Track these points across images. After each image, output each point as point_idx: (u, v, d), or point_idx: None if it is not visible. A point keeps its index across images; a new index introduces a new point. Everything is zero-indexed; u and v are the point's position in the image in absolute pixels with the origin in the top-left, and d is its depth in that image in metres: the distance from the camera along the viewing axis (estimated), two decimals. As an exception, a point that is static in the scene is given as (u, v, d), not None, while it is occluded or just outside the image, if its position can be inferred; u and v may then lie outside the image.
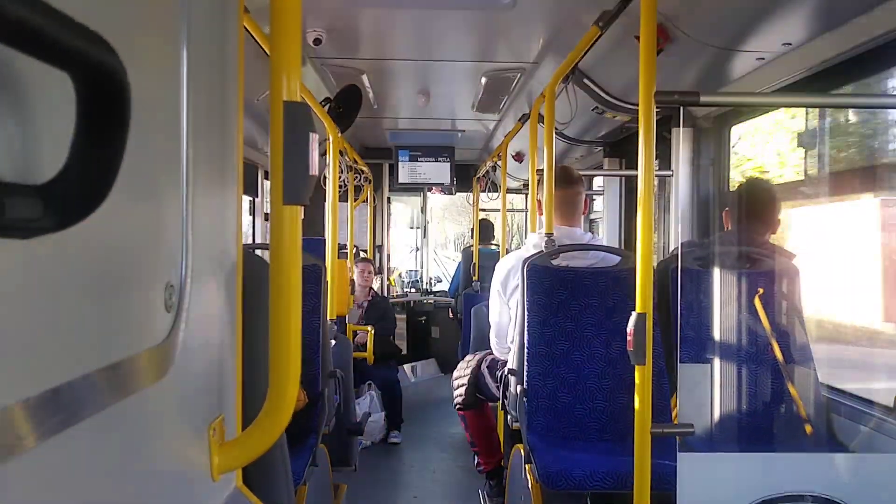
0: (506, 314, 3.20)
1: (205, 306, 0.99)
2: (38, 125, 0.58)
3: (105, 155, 0.54)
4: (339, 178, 4.48)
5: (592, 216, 5.89)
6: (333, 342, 3.34)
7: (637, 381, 1.90)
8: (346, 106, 4.24)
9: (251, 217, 5.60)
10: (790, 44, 2.61)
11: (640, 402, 1.89)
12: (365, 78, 4.32)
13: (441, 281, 8.77)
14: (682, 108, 2.71)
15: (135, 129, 0.59)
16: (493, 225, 7.58)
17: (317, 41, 3.38)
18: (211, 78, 1.02)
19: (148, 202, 0.79)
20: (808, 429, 2.58)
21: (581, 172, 3.36)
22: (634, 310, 1.92)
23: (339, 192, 4.22)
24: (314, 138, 1.00)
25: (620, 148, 4.98)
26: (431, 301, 8.19)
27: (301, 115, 0.98)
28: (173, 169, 0.83)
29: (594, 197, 5.67)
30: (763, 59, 2.77)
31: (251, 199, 5.53)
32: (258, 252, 3.27)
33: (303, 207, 1.04)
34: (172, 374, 0.83)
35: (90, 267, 0.66)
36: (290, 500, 1.51)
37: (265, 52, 2.51)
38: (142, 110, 0.69)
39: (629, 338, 1.90)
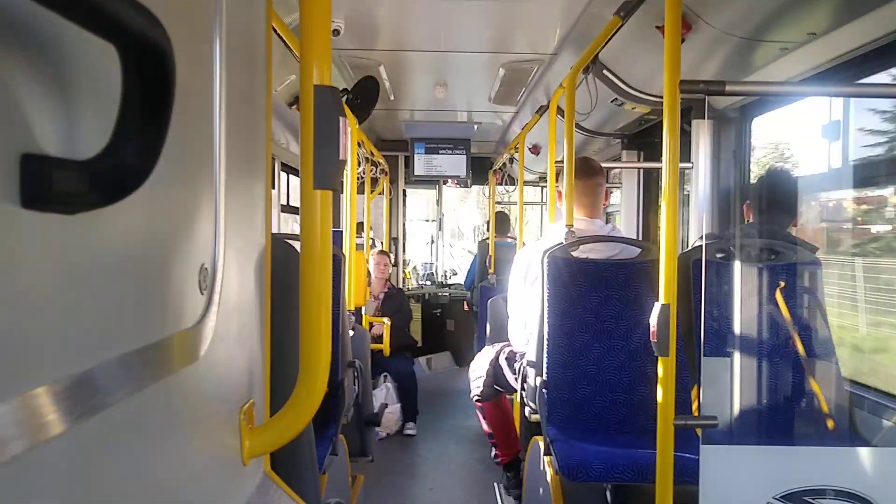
0: (526, 305, 3.19)
1: (236, 290, 0.99)
2: (83, 99, 0.57)
3: (150, 131, 0.54)
4: (357, 170, 4.49)
5: (609, 209, 5.86)
6: (352, 333, 3.34)
7: (660, 372, 1.89)
8: (363, 97, 4.23)
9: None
10: (815, 33, 2.58)
11: (664, 394, 1.88)
12: (382, 69, 4.32)
13: (456, 273, 8.77)
14: (706, 99, 2.69)
15: (175, 111, 0.59)
16: (508, 217, 7.56)
17: (335, 32, 3.38)
18: (242, 67, 1.03)
19: (183, 185, 0.79)
20: (831, 423, 2.56)
21: (601, 164, 3.34)
22: (655, 302, 1.91)
23: (357, 184, 4.22)
24: (344, 123, 1.00)
25: (638, 140, 4.95)
26: (447, 294, 8.19)
27: (331, 100, 0.98)
28: (207, 154, 0.83)
29: (611, 190, 5.64)
30: (786, 49, 2.74)
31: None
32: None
33: (332, 195, 1.03)
34: (205, 357, 0.83)
35: (130, 246, 0.66)
36: (316, 487, 1.51)
37: (285, 43, 2.51)
38: (178, 95, 0.69)
39: (653, 329, 1.89)
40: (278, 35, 2.49)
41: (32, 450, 0.51)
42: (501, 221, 7.12)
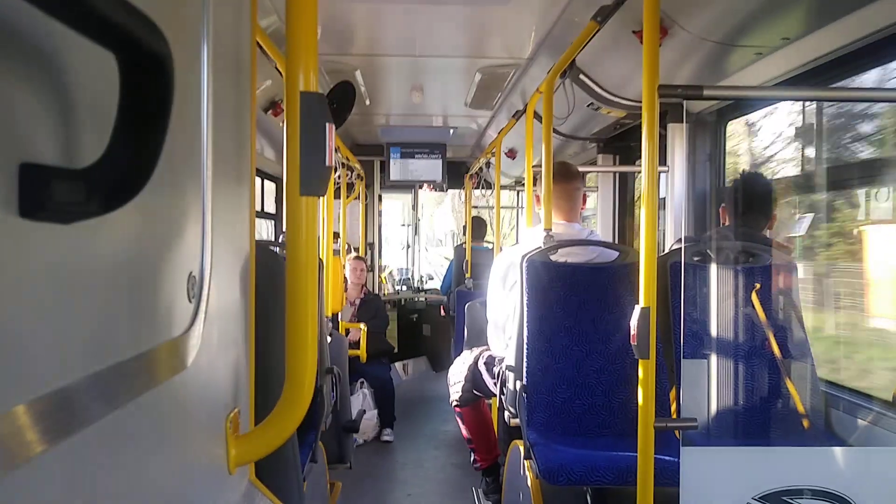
0: (504, 310, 3.20)
1: (222, 298, 0.98)
2: (82, 108, 0.57)
3: (148, 140, 0.53)
4: (333, 174, 4.47)
5: (585, 213, 5.89)
6: (329, 339, 3.32)
7: (641, 375, 1.90)
8: (339, 102, 4.21)
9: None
10: (788, 38, 2.62)
11: (644, 396, 1.89)
12: (358, 74, 4.31)
13: (433, 278, 8.76)
14: (684, 104, 2.71)
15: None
16: (485, 222, 7.57)
17: (311, 36, 3.36)
18: (228, 76, 1.02)
19: (172, 193, 0.78)
20: (806, 423, 2.59)
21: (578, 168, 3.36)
22: (633, 305, 1.92)
23: (332, 189, 4.20)
24: (330, 129, 0.99)
25: (614, 144, 4.98)
26: (423, 299, 8.18)
27: (318, 106, 0.98)
28: (195, 162, 0.83)
29: (587, 193, 5.67)
30: (761, 53, 2.77)
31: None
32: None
33: (318, 201, 1.03)
34: (193, 366, 0.82)
35: (120, 255, 0.66)
36: (301, 495, 1.50)
37: (259, 46, 2.49)
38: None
39: (633, 332, 1.90)
40: (259, 45, 2.47)
41: (24, 461, 0.50)
42: (478, 227, 7.13)
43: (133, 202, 0.59)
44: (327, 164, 0.98)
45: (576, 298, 2.86)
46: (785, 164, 3.15)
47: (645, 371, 1.90)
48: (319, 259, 3.03)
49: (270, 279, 1.16)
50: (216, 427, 0.97)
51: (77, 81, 0.56)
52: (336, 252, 5.38)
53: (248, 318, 1.13)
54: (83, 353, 0.58)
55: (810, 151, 2.91)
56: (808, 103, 2.95)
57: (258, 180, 5.76)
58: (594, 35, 2.64)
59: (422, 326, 8.07)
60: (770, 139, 3.59)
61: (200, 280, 0.84)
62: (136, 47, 0.49)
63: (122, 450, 0.68)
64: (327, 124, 0.98)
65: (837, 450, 2.06)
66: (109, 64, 0.50)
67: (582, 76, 3.46)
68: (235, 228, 1.07)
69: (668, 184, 3.76)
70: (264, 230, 5.71)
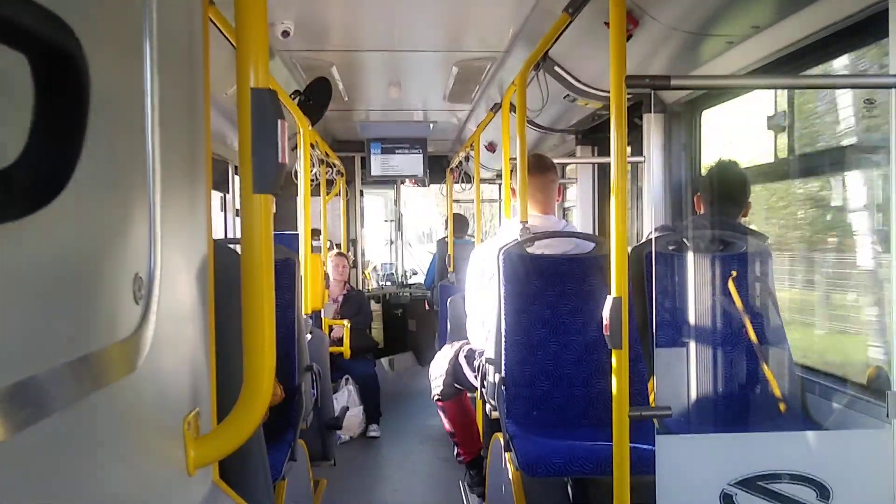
0: (483, 303, 3.20)
1: (176, 299, 0.97)
2: None
3: (64, 140, 0.52)
4: (311, 171, 4.45)
5: (566, 205, 5.90)
6: (309, 337, 3.31)
7: (615, 365, 1.91)
8: (316, 98, 4.20)
9: (223, 213, 5.54)
10: (758, 27, 2.62)
11: (618, 386, 1.90)
12: (335, 70, 4.29)
13: (417, 273, 8.75)
14: (653, 93, 2.72)
15: (98, 119, 0.57)
16: (466, 219, 7.57)
17: (285, 33, 3.35)
18: (176, 68, 1.00)
19: (114, 192, 0.77)
20: (783, 407, 2.61)
21: (554, 161, 3.36)
22: (609, 295, 1.92)
23: (311, 185, 4.18)
24: (283, 126, 0.99)
25: (593, 135, 4.99)
26: (407, 294, 8.17)
27: (269, 102, 0.97)
28: (139, 160, 0.81)
29: (567, 185, 5.68)
30: (732, 42, 2.78)
31: (222, 195, 5.47)
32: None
33: (274, 199, 1.02)
34: (143, 368, 0.81)
35: (56, 257, 0.65)
36: (269, 495, 1.50)
37: (233, 45, 2.47)
38: (105, 100, 0.67)
39: (605, 322, 1.91)
40: (226, 37, 2.45)
41: None
42: (459, 223, 7.13)
43: (67, 202, 0.58)
44: (280, 161, 0.98)
45: (553, 290, 2.87)
46: (760, 152, 3.16)
47: (618, 361, 1.90)
48: (295, 258, 3.02)
49: (230, 278, 1.15)
50: (173, 428, 0.96)
51: None
52: (317, 249, 5.36)
53: (206, 318, 1.12)
54: (17, 356, 0.58)
55: (783, 139, 2.92)
56: (780, 91, 2.96)
57: (238, 179, 5.73)
58: (567, 27, 2.64)
59: (407, 321, 8.07)
60: (745, 127, 3.60)
61: (149, 281, 0.83)
62: (45, 48, 0.48)
63: (67, 453, 0.68)
64: (280, 121, 0.97)
65: (813, 434, 2.08)
66: (24, 62, 0.49)
67: (556, 68, 3.46)
68: (191, 226, 1.06)
69: (646, 174, 3.77)
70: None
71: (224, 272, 1.20)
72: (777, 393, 2.63)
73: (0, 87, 0.56)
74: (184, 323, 1.02)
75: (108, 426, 0.77)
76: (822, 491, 1.85)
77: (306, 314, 3.52)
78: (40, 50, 0.48)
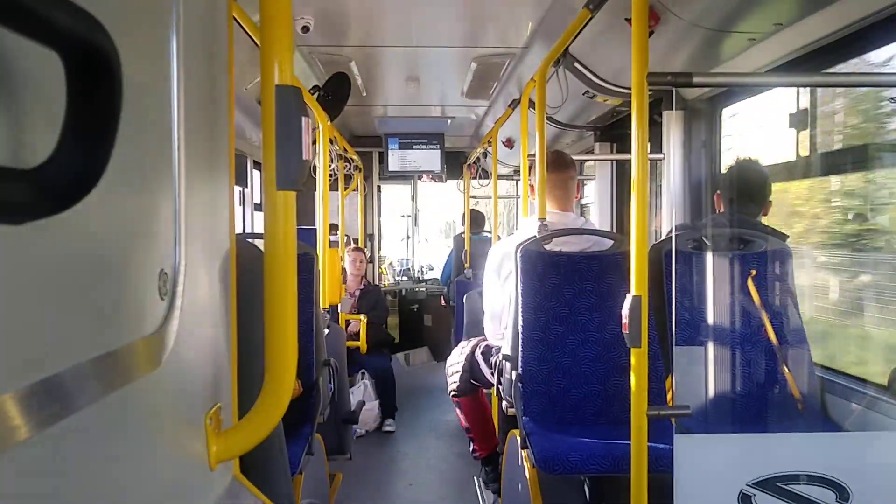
0: (500, 300, 3.20)
1: (199, 294, 0.98)
2: (28, 108, 0.56)
3: (96, 138, 0.52)
4: (330, 166, 4.46)
5: (583, 202, 5.88)
6: (327, 331, 3.33)
7: (633, 363, 1.90)
8: (335, 94, 4.21)
9: (241, 207, 5.57)
10: (781, 24, 2.60)
11: (637, 384, 1.89)
12: (353, 65, 4.30)
13: (433, 269, 8.76)
14: (674, 91, 2.70)
15: (126, 116, 0.57)
16: (483, 216, 7.57)
17: (305, 29, 3.36)
18: (201, 65, 1.01)
19: (140, 189, 0.78)
20: (803, 409, 2.59)
21: (572, 157, 3.35)
22: (628, 293, 1.91)
23: (330, 181, 4.20)
24: (307, 122, 0.99)
25: (611, 132, 4.96)
26: (423, 289, 8.18)
27: (293, 99, 0.97)
28: (165, 156, 0.82)
29: (585, 182, 5.66)
30: (754, 39, 2.76)
31: (241, 189, 5.50)
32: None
33: (296, 194, 1.02)
34: (168, 363, 0.82)
35: (83, 254, 0.65)
36: (289, 489, 1.50)
37: (254, 41, 2.48)
38: (133, 96, 0.67)
39: (624, 320, 1.90)
40: (247, 33, 2.46)
41: None
42: (476, 219, 7.13)
43: (96, 200, 0.58)
44: (304, 157, 0.98)
45: (570, 288, 2.86)
46: (782, 149, 3.13)
47: (637, 359, 1.90)
48: (314, 253, 3.03)
49: (252, 273, 1.16)
50: (195, 423, 0.97)
51: (24, 79, 0.55)
52: (335, 244, 5.38)
53: (229, 313, 1.12)
54: (44, 353, 0.58)
55: (805, 136, 2.89)
56: (802, 89, 2.94)
57: (257, 173, 5.76)
58: (587, 23, 2.62)
59: (423, 316, 8.08)
60: (767, 125, 3.58)
61: (174, 276, 0.84)
62: (78, 45, 0.49)
63: (93, 448, 0.68)
64: (304, 118, 0.98)
65: (833, 435, 2.06)
66: (57, 60, 0.49)
67: (576, 64, 3.44)
68: (214, 222, 1.07)
69: (665, 171, 3.75)
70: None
71: (245, 267, 1.20)
72: (796, 393, 2.61)
73: (33, 84, 0.56)
74: (207, 318, 1.02)
75: (132, 421, 0.78)
76: (842, 493, 1.83)
77: (324, 309, 3.53)
78: (74, 48, 0.48)
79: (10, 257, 0.53)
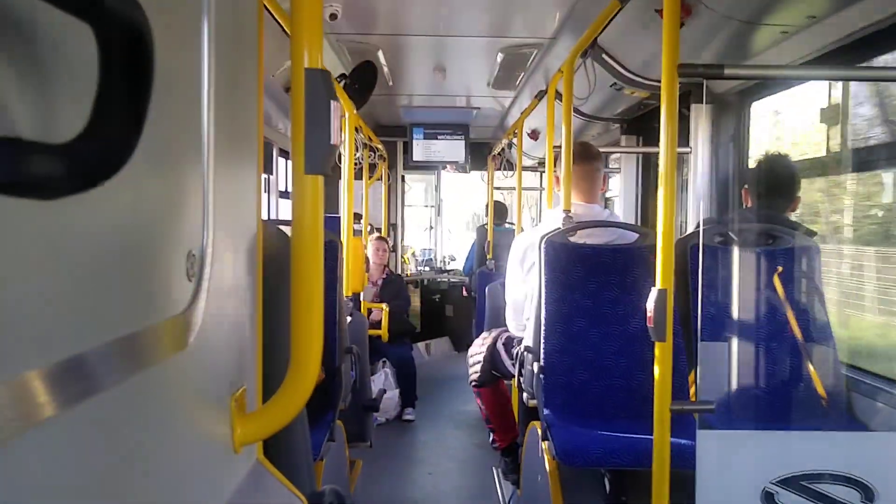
0: (523, 291, 3.19)
1: (226, 277, 0.98)
2: (60, 82, 0.56)
3: (129, 113, 0.52)
4: (355, 155, 4.47)
5: (608, 194, 5.84)
6: (349, 319, 3.34)
7: (657, 357, 1.89)
8: (361, 82, 4.21)
9: (266, 195, 5.60)
10: (815, 17, 2.56)
11: (660, 378, 1.88)
12: (380, 54, 4.30)
13: (455, 259, 8.77)
14: (704, 83, 2.67)
15: (157, 96, 0.57)
16: (506, 207, 7.55)
17: (333, 16, 3.35)
18: (231, 50, 1.01)
19: (169, 170, 0.78)
20: (828, 407, 2.56)
21: (599, 149, 3.33)
22: (653, 287, 1.90)
23: (354, 169, 4.20)
24: (335, 107, 0.99)
25: (638, 125, 4.93)
26: (445, 279, 8.19)
27: (322, 83, 0.97)
28: (194, 139, 0.82)
29: (610, 175, 5.63)
30: (787, 32, 2.71)
31: (266, 176, 5.53)
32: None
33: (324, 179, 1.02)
34: (194, 344, 0.82)
35: (113, 232, 0.65)
36: (311, 475, 1.51)
37: (280, 26, 2.49)
38: (163, 77, 0.67)
39: (649, 314, 1.89)
40: (274, 18, 2.47)
41: (15, 440, 0.50)
42: (498, 210, 7.12)
43: (126, 178, 0.59)
44: (332, 142, 0.98)
45: (594, 280, 2.84)
46: (813, 144, 3.09)
47: (661, 353, 1.88)
48: (338, 241, 3.04)
49: (279, 257, 1.16)
50: (221, 406, 0.97)
51: (56, 53, 0.56)
52: (358, 233, 5.39)
53: (255, 296, 1.13)
54: (69, 333, 0.58)
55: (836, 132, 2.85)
56: (835, 83, 2.89)
57: (282, 161, 5.78)
58: (616, 14, 2.60)
59: (444, 307, 8.09)
60: (798, 119, 3.53)
61: (202, 258, 0.84)
62: (111, 19, 0.48)
63: (119, 428, 0.69)
64: (332, 102, 0.97)
65: (858, 434, 2.03)
66: (89, 34, 0.49)
67: (604, 56, 3.42)
68: (241, 205, 1.07)
69: (692, 165, 3.71)
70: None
71: (272, 252, 1.21)
72: (821, 391, 2.58)
73: (63, 58, 0.57)
74: (233, 300, 1.02)
75: (159, 402, 0.78)
76: (867, 493, 1.81)
77: (346, 296, 3.55)
78: (108, 21, 0.48)
79: (39, 233, 0.53)
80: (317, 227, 0.99)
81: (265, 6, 2.25)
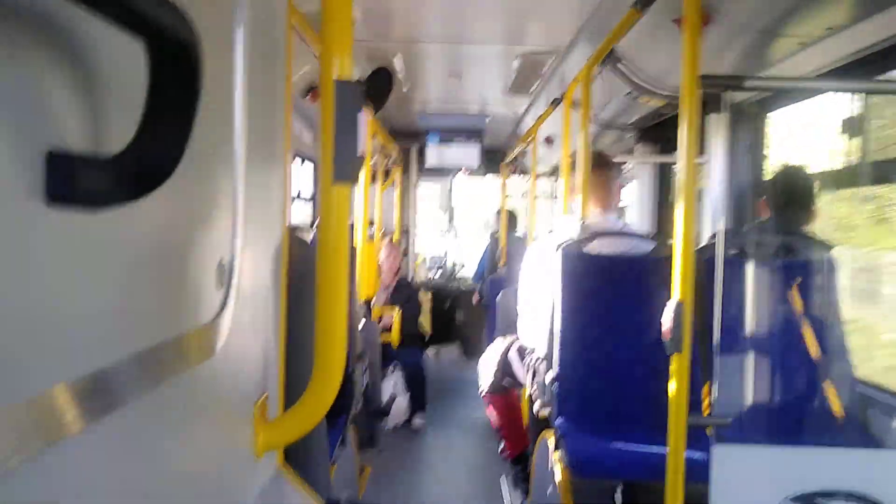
0: (536, 299, 3.18)
1: (252, 285, 0.98)
2: (108, 96, 0.57)
3: (175, 127, 0.53)
4: (370, 161, 4.48)
5: (621, 204, 5.81)
6: (362, 323, 3.34)
7: (673, 370, 1.88)
8: (377, 88, 4.22)
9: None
10: (833, 28, 2.55)
11: (676, 391, 1.86)
12: (397, 60, 4.30)
13: (465, 266, 8.76)
14: (723, 94, 2.65)
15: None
16: (516, 217, 7.54)
17: (350, 22, 3.36)
18: (262, 60, 1.02)
19: (203, 180, 0.79)
20: (844, 423, 2.54)
21: (614, 158, 3.32)
22: (668, 298, 1.89)
23: (369, 174, 4.21)
24: (364, 117, 0.99)
25: (653, 133, 4.91)
26: (456, 285, 8.19)
27: (351, 94, 0.97)
28: (227, 149, 0.83)
29: (623, 184, 5.60)
30: (805, 43, 2.70)
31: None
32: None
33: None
34: (222, 352, 0.83)
35: (151, 241, 0.66)
36: (327, 481, 1.51)
37: (299, 34, 2.49)
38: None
39: (665, 326, 1.88)
40: (294, 27, 2.47)
41: (54, 445, 0.50)
42: (510, 217, 7.11)
43: (163, 189, 0.59)
44: (360, 152, 0.98)
45: (610, 290, 2.84)
46: (830, 156, 3.08)
47: (678, 366, 1.87)
48: (353, 245, 3.05)
49: (299, 266, 1.16)
50: (244, 412, 0.98)
51: (104, 69, 0.56)
52: (370, 238, 5.40)
53: (278, 304, 1.13)
54: (109, 339, 0.59)
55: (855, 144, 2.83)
56: (854, 95, 2.87)
57: (298, 161, 5.79)
58: (634, 23, 2.60)
59: (455, 313, 8.09)
60: (816, 131, 3.51)
61: (230, 267, 0.84)
62: (164, 35, 0.49)
63: (149, 432, 0.69)
64: (360, 113, 0.98)
65: (875, 452, 2.02)
66: (136, 51, 0.50)
67: (620, 65, 3.41)
68: (268, 214, 1.08)
69: (708, 175, 3.70)
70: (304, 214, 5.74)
71: (293, 258, 1.21)
72: (837, 407, 2.56)
73: (113, 74, 0.57)
74: (258, 309, 1.03)
75: (186, 408, 0.78)
76: (883, 512, 1.80)
77: (360, 302, 3.55)
78: (160, 37, 0.49)
79: (83, 242, 0.53)
80: (343, 237, 0.99)
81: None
